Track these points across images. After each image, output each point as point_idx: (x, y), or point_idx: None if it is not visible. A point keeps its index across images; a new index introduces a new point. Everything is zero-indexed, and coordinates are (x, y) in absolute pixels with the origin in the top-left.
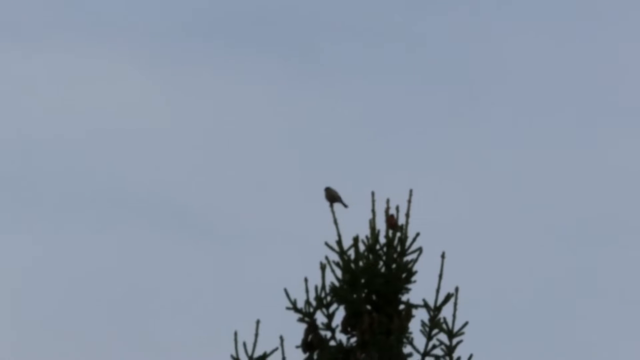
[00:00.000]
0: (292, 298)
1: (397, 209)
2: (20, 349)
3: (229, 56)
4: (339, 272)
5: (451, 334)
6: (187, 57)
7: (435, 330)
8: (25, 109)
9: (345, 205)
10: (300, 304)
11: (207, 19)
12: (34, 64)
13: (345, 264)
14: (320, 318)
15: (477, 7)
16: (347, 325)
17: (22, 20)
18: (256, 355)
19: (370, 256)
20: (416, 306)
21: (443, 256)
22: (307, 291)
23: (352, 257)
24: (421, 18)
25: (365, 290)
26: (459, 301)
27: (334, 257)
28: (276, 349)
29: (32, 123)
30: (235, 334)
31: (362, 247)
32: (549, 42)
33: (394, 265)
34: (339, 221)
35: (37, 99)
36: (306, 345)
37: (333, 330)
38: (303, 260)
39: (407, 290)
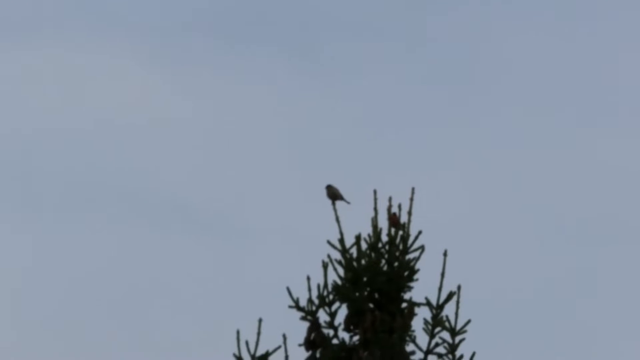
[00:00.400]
0: (295, 296)
1: (400, 207)
2: (20, 349)
3: (230, 54)
4: (341, 271)
5: (454, 332)
6: (188, 54)
7: (438, 329)
8: (26, 105)
9: (348, 202)
10: (303, 303)
11: (208, 16)
12: (34, 60)
13: (347, 262)
14: (322, 316)
15: (478, 6)
16: (350, 324)
17: (23, 15)
18: (259, 353)
19: (373, 254)
20: (418, 304)
21: (445, 254)
22: (309, 289)
23: (354, 255)
24: (422, 17)
25: (368, 289)
26: (461, 299)
27: (336, 255)
28: (279, 348)
29: (32, 120)
30: (238, 332)
31: (364, 246)
32: (549, 42)
33: (396, 264)
34: (341, 219)
35: (38, 95)
36: (309, 344)
37: (336, 329)
38: (305, 258)
39: (410, 288)
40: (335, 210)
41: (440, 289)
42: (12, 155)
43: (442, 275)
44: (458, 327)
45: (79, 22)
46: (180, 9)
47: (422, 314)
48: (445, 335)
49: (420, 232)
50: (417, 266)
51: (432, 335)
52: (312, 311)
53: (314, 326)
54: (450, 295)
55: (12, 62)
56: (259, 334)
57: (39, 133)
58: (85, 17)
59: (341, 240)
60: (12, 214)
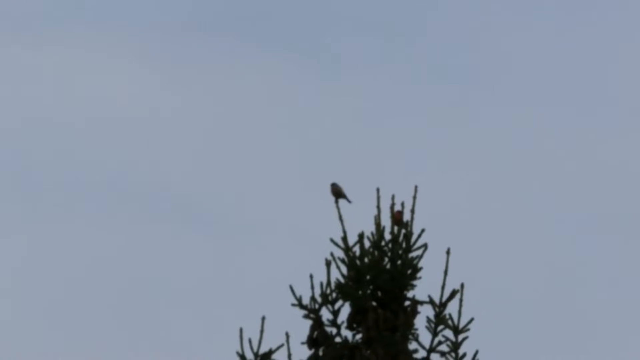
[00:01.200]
0: (298, 294)
1: (403, 205)
2: (20, 347)
3: (232, 48)
4: (344, 269)
5: (457, 330)
6: (189, 49)
7: (441, 327)
8: (25, 103)
9: (349, 201)
10: (306, 301)
11: (209, 11)
12: (34, 59)
13: (350, 260)
14: (325, 314)
15: (480, 1)
16: (353, 322)
17: (23, 15)
18: (262, 351)
19: (376, 252)
20: (421, 302)
21: (448, 252)
22: (312, 287)
23: (357, 253)
24: (423, 12)
25: (371, 287)
26: (464, 297)
27: (339, 253)
28: (282, 346)
29: (31, 118)
30: (241, 330)
31: (367, 244)
32: (550, 40)
33: (399, 262)
34: (344, 217)
35: (37, 94)
36: (312, 342)
37: (338, 327)
38: (308, 256)
39: (413, 286)
40: (338, 208)
41: (443, 287)
42: (11, 152)
43: (445, 273)
44: (461, 325)
45: (79, 21)
46: (181, 4)
47: (425, 312)
48: (448, 333)
49: (423, 230)
50: (420, 264)
51: (435, 334)
52: (314, 309)
53: (317, 324)
54: (453, 294)
55: (12, 61)
56: (262, 332)
57: (38, 131)
58: (84, 16)
59: (344, 238)
60: (12, 212)
